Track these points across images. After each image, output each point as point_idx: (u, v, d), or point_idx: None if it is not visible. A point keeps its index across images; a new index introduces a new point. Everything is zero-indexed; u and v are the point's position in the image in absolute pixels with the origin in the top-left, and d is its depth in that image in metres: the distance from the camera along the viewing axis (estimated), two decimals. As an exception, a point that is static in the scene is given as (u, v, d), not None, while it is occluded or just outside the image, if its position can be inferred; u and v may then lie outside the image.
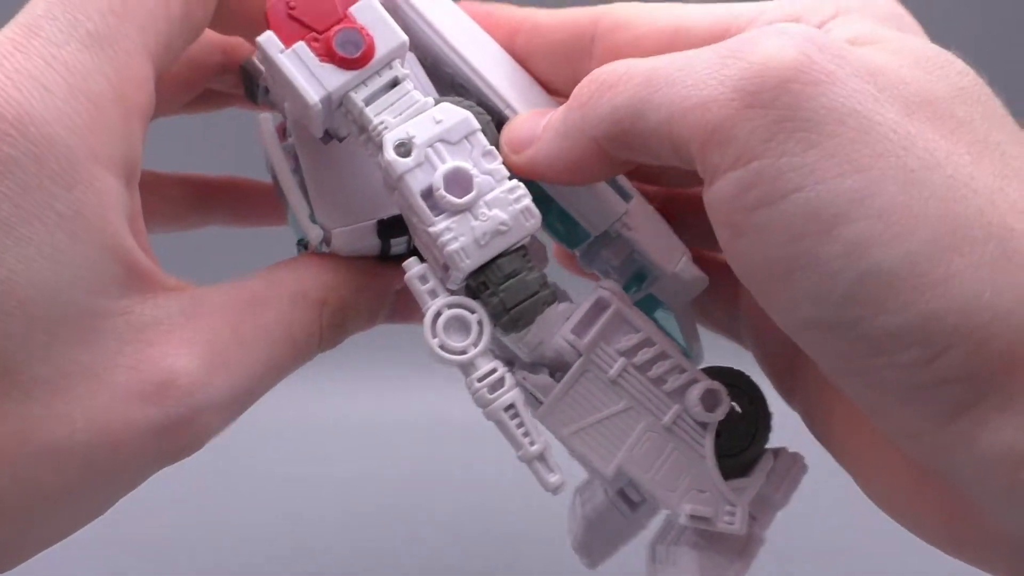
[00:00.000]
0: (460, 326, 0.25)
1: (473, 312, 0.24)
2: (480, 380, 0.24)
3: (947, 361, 0.19)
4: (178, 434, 0.22)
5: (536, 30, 0.28)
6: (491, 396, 0.24)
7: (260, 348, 0.24)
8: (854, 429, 0.26)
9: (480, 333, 0.24)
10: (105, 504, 0.23)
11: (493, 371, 0.24)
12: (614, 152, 0.24)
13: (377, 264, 0.28)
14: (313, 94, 0.24)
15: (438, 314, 0.24)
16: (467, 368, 0.24)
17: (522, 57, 0.28)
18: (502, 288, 0.24)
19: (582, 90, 0.25)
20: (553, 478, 0.24)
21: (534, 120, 0.26)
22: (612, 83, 0.24)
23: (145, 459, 0.22)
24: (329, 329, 0.26)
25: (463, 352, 0.24)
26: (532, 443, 0.24)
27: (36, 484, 0.21)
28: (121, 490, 0.23)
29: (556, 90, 0.29)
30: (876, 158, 0.20)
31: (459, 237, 0.23)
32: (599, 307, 0.26)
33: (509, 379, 0.25)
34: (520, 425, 0.24)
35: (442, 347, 0.24)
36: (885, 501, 0.25)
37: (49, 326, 0.20)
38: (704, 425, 0.26)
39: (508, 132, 0.27)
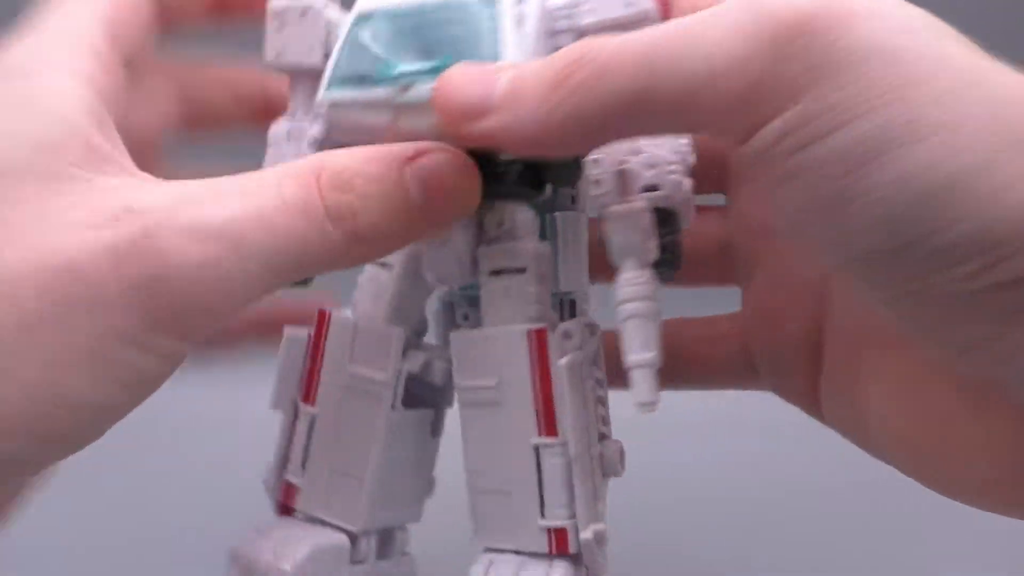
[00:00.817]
0: None
1: None
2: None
3: (1007, 266, 0.20)
4: (137, 255, 0.23)
5: None
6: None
7: (238, 197, 0.24)
8: (897, 399, 0.27)
9: None
10: (77, 349, 0.23)
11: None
12: (608, 133, 0.24)
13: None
14: None
15: None
16: None
17: None
18: None
19: (568, 69, 0.24)
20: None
21: (482, 81, 0.25)
22: (605, 65, 0.23)
23: (106, 285, 0.22)
24: (330, 191, 0.25)
25: None
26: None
27: None
28: (89, 327, 0.23)
29: None
30: (909, 85, 0.20)
31: None
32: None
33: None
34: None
35: None
36: (949, 470, 0.26)
37: (6, 179, 0.23)
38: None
39: (449, 91, 0.25)
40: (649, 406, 0.27)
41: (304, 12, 0.33)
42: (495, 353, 0.30)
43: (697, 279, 0.34)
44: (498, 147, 0.26)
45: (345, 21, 0.32)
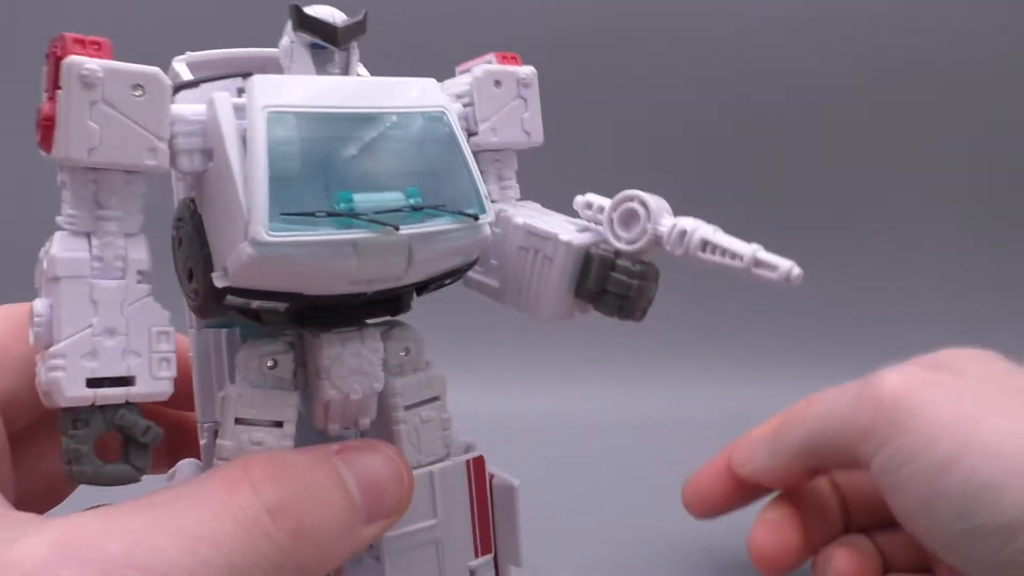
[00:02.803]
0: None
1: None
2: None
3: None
4: None
5: None
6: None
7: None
8: None
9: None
10: None
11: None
12: (805, 465, 0.36)
13: None
14: None
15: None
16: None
17: None
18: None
19: (776, 424, 0.38)
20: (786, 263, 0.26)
21: (753, 444, 0.38)
22: (794, 421, 0.36)
23: None
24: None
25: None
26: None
27: None
28: None
29: None
30: (960, 422, 0.30)
31: None
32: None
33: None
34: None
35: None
36: None
37: None
38: None
39: (736, 455, 0.39)
40: (796, 270, 0.26)
41: (140, 87, 0.23)
42: (435, 492, 0.29)
43: None
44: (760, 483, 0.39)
45: (230, 118, 0.23)
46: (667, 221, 0.28)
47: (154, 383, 0.24)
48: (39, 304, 0.23)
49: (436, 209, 0.25)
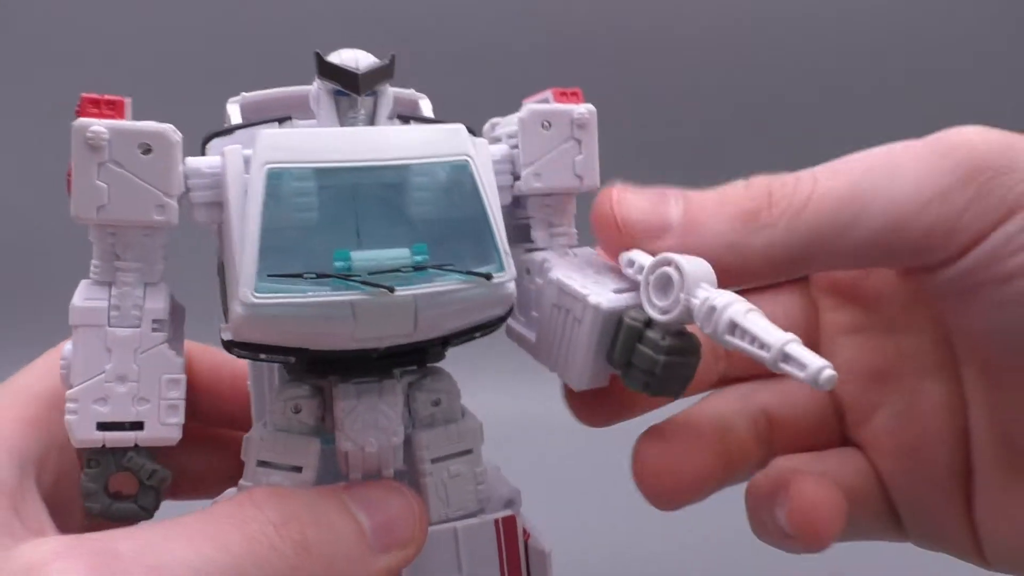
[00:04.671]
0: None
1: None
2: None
3: None
4: None
5: None
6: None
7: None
8: None
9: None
10: None
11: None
12: (804, 265, 0.25)
13: None
14: None
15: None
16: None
17: None
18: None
19: (756, 204, 0.25)
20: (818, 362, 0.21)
21: (658, 207, 0.26)
22: (799, 206, 0.24)
23: None
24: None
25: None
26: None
27: None
28: None
29: None
30: None
31: None
32: None
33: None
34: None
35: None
36: None
37: None
38: None
39: (622, 213, 0.26)
40: (829, 371, 0.21)
41: (147, 147, 0.23)
42: (459, 549, 0.28)
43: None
44: None
45: (233, 167, 0.23)
46: (702, 293, 0.24)
47: (162, 428, 0.25)
48: (66, 348, 0.25)
49: (443, 268, 0.24)
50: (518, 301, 0.28)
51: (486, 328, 0.26)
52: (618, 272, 0.27)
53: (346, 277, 0.22)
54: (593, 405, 0.28)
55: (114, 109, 0.23)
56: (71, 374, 0.24)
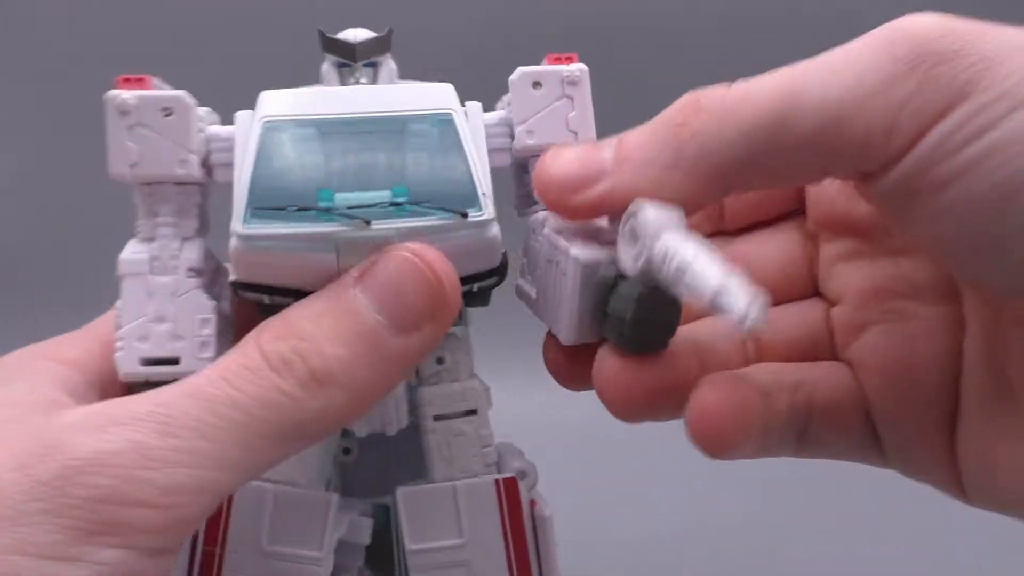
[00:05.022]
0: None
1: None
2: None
3: None
4: (41, 453, 0.22)
5: None
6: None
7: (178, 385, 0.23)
8: None
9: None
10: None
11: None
12: (735, 181, 0.23)
13: None
14: None
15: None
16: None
17: None
18: None
19: (682, 115, 0.23)
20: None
21: (589, 155, 0.25)
22: (733, 104, 0.23)
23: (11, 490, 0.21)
24: (271, 342, 0.24)
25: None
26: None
27: None
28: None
29: None
30: None
31: None
32: None
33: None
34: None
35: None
36: None
37: None
38: None
39: (552, 169, 0.25)
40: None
41: (168, 110, 0.27)
42: (459, 509, 0.27)
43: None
44: (609, 213, 0.25)
45: (242, 127, 0.26)
46: (662, 241, 0.23)
47: (196, 363, 0.27)
48: (119, 300, 0.28)
49: (420, 206, 0.25)
50: (528, 261, 0.29)
51: (480, 282, 0.27)
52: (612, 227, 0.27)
53: (326, 210, 0.24)
54: (571, 366, 0.27)
55: (141, 83, 0.27)
56: (120, 318, 0.27)
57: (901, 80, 0.21)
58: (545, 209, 0.29)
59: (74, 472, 0.21)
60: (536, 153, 0.28)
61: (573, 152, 0.25)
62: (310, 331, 0.24)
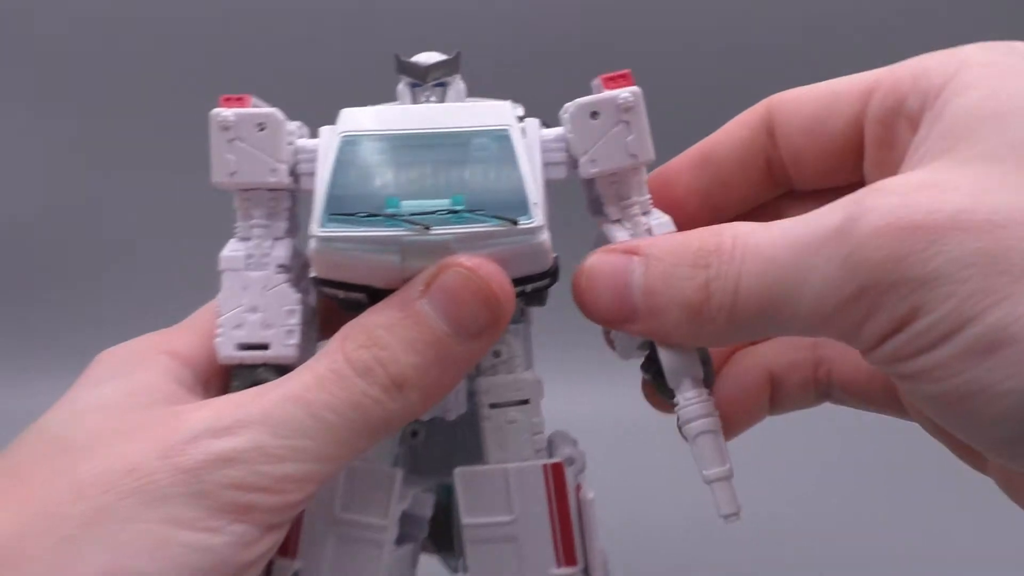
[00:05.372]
0: None
1: None
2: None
3: None
4: (181, 446, 0.26)
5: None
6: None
7: (275, 387, 0.28)
8: None
9: None
10: (140, 537, 0.25)
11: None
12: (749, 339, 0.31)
13: None
14: None
15: None
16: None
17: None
18: None
19: (699, 298, 0.27)
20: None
21: (620, 295, 0.28)
22: (734, 303, 0.26)
23: (157, 476, 0.26)
24: (355, 351, 0.27)
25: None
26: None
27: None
28: (148, 516, 0.25)
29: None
30: (1015, 283, 0.22)
31: None
32: None
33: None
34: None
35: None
36: None
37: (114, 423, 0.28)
38: None
39: (587, 302, 0.29)
40: (734, 517, 0.28)
41: (262, 125, 0.30)
42: (509, 489, 0.30)
43: None
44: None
45: (324, 140, 0.29)
46: (682, 393, 0.29)
47: (283, 348, 0.30)
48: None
49: (475, 214, 0.28)
50: None
51: (530, 283, 0.29)
52: None
53: (391, 216, 0.27)
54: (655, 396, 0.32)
55: (241, 102, 0.31)
56: (219, 308, 0.31)
57: (853, 304, 0.24)
58: (615, 222, 0.31)
59: (210, 465, 0.26)
60: (600, 176, 0.31)
61: (605, 284, 0.28)
62: (387, 340, 0.27)
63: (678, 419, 0.29)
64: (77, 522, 0.25)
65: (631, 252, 0.28)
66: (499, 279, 0.28)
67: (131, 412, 0.28)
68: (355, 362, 0.27)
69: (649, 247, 0.28)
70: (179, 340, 0.32)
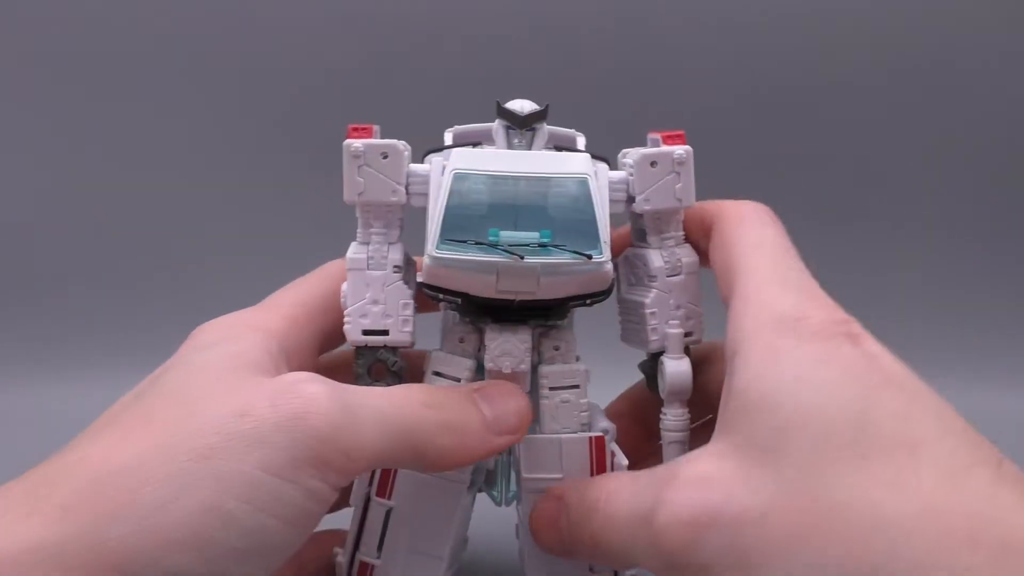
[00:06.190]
0: None
1: None
2: None
3: None
4: (286, 396, 0.31)
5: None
6: None
7: (381, 394, 0.34)
8: None
9: None
10: (241, 477, 0.29)
11: None
12: None
13: None
14: None
15: None
16: None
17: None
18: None
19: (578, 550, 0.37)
20: None
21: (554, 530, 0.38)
22: (597, 538, 0.35)
23: (264, 421, 0.30)
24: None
25: None
26: None
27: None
28: (251, 459, 0.29)
29: None
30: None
31: None
32: None
33: None
34: None
35: None
36: None
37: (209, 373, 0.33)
38: None
39: (541, 537, 0.39)
40: None
41: (385, 154, 0.37)
42: (561, 454, 0.39)
43: None
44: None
45: (436, 171, 0.36)
46: (671, 408, 0.40)
47: (400, 334, 0.38)
48: (344, 285, 0.39)
49: (560, 247, 0.35)
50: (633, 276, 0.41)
51: (592, 298, 0.37)
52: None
53: (493, 245, 0.35)
54: None
55: (366, 132, 0.37)
56: (346, 301, 0.38)
57: (668, 572, 0.31)
58: (651, 248, 0.40)
59: (306, 414, 0.30)
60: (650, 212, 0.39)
61: (553, 540, 0.37)
62: (449, 398, 0.36)
63: (660, 423, 0.40)
64: (191, 456, 0.28)
65: (559, 499, 0.37)
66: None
67: (238, 371, 0.33)
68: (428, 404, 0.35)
69: (568, 495, 0.37)
70: (264, 318, 0.37)
